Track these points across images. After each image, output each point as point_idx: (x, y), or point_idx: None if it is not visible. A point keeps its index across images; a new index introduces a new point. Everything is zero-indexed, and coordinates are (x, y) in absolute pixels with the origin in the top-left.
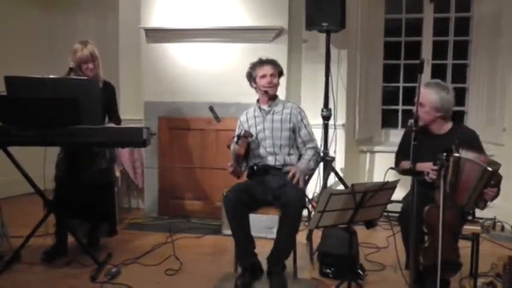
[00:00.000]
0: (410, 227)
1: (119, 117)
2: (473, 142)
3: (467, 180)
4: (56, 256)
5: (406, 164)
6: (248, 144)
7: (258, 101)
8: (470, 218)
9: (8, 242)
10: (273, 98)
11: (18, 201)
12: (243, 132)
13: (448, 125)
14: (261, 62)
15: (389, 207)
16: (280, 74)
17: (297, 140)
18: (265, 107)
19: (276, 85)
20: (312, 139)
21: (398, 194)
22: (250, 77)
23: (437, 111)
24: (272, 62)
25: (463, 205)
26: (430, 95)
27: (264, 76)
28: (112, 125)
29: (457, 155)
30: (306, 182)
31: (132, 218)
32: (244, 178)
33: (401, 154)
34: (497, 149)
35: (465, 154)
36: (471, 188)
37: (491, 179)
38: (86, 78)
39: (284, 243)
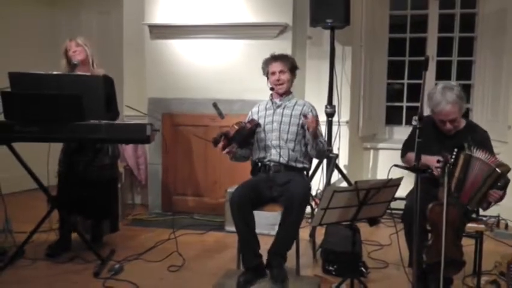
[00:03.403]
0: (413, 225)
1: (117, 111)
2: (484, 142)
3: (475, 180)
4: (60, 252)
5: (412, 156)
6: (246, 130)
7: (271, 94)
8: (474, 216)
9: (12, 237)
10: (286, 93)
11: (22, 197)
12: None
13: (462, 122)
14: (271, 58)
15: (393, 204)
16: (293, 69)
17: (306, 136)
18: (277, 100)
19: (286, 82)
20: (321, 136)
21: (402, 191)
22: (264, 72)
23: (461, 115)
24: (281, 58)
25: (466, 204)
26: (458, 109)
27: (273, 73)
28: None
29: (468, 153)
30: (310, 178)
31: (136, 214)
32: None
33: (409, 146)
34: (501, 147)
35: (476, 153)
36: (478, 186)
37: (498, 181)
38: (89, 74)
39: (285, 237)
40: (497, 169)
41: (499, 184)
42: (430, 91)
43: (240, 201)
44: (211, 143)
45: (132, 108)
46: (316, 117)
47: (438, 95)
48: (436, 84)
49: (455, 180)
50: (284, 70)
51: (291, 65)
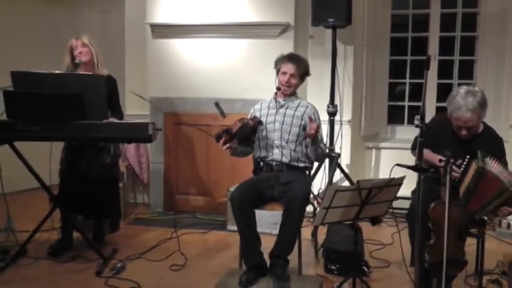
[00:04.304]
0: (415, 224)
1: (121, 111)
2: (499, 150)
3: (485, 191)
4: (62, 251)
5: (428, 153)
6: (248, 127)
7: (276, 93)
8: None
9: (14, 236)
10: (290, 94)
11: (24, 196)
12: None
13: (480, 127)
14: (287, 58)
15: (395, 203)
16: (304, 75)
17: (307, 139)
18: (280, 100)
19: (294, 86)
20: (321, 141)
21: (405, 190)
22: (276, 67)
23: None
24: (296, 61)
25: (473, 213)
26: (479, 117)
27: (284, 73)
28: (114, 119)
29: (481, 165)
30: (312, 178)
31: (138, 213)
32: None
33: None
34: None
35: (490, 164)
36: (487, 200)
37: (510, 199)
38: (91, 73)
39: (287, 239)
40: (511, 188)
41: (510, 201)
42: (452, 93)
43: (240, 200)
44: (214, 138)
45: (136, 95)
46: (318, 124)
47: (460, 99)
48: (458, 85)
49: (464, 188)
50: (295, 74)
51: (303, 71)
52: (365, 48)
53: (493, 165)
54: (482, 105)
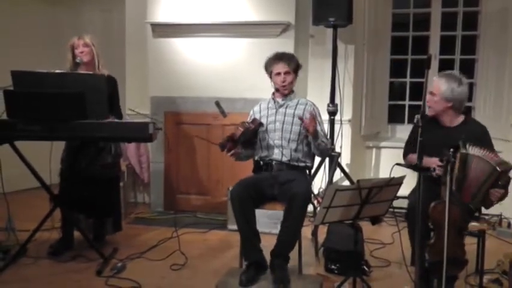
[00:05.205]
0: (416, 223)
1: (120, 111)
2: (482, 138)
3: (474, 178)
4: (62, 250)
5: (414, 158)
6: (250, 130)
7: (273, 93)
8: (476, 214)
9: (15, 235)
10: (289, 92)
11: (25, 195)
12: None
13: (460, 118)
14: (276, 58)
15: (395, 203)
16: (296, 69)
17: (308, 136)
18: (279, 99)
19: (291, 83)
20: (324, 135)
21: (405, 189)
22: (267, 71)
23: (447, 102)
24: (287, 59)
25: (468, 203)
26: (441, 85)
27: (278, 74)
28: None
29: (463, 151)
30: (312, 177)
31: (138, 212)
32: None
33: (410, 145)
34: (504, 145)
35: (472, 150)
36: (478, 186)
37: (499, 179)
38: (91, 72)
39: (288, 237)
40: (498, 168)
41: (499, 183)
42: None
43: (240, 196)
44: (219, 147)
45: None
46: (313, 115)
47: (446, 73)
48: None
49: (455, 180)
50: (289, 71)
51: (295, 66)
52: (366, 47)
53: (474, 150)
54: (451, 88)
